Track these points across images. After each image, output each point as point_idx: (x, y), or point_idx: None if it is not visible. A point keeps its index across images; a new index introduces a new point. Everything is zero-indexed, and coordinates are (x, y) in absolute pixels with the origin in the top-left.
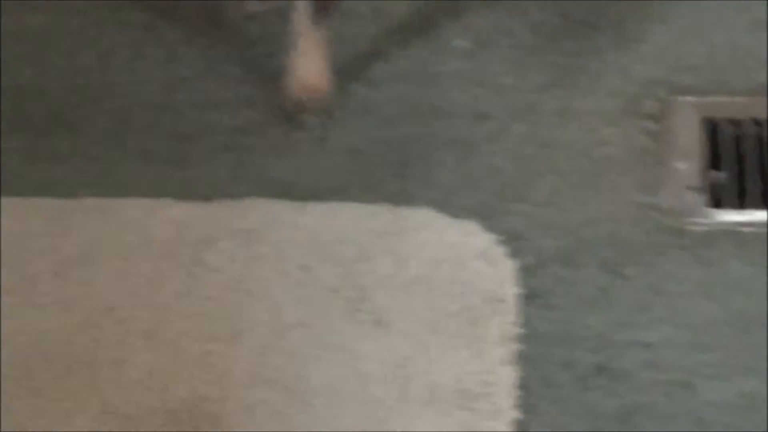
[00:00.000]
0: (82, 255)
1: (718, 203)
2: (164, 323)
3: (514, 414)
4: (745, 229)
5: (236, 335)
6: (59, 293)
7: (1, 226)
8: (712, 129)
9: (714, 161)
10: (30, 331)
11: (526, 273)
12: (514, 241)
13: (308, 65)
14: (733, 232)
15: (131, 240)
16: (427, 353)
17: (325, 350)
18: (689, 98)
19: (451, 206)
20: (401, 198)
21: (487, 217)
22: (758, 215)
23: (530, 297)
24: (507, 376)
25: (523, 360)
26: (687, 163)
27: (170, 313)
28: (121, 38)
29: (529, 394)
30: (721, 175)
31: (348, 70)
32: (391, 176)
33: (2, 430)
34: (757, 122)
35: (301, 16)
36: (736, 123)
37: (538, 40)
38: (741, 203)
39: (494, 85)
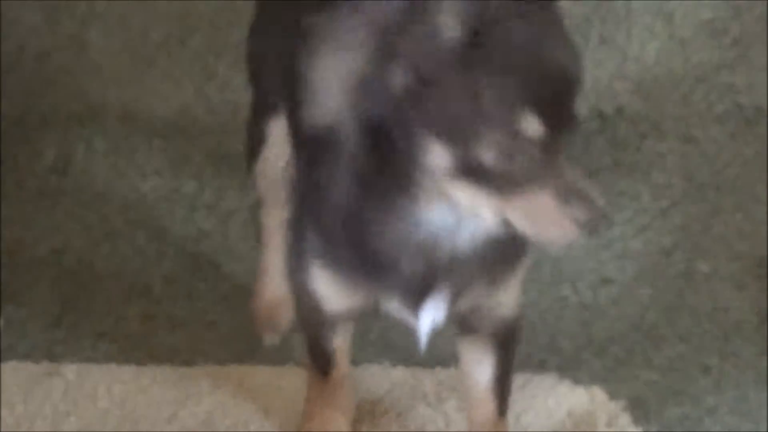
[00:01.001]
0: (203, 424)
1: None
2: None
3: None
4: None
5: None
6: None
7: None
8: None
9: None
10: None
11: None
12: (639, 409)
13: (271, 284)
14: None
15: (250, 407)
16: None
17: None
18: None
19: (575, 372)
20: (525, 364)
21: (611, 383)
22: None
23: None
24: None
25: None
26: None
27: None
28: (239, 202)
29: None
30: None
31: None
32: None
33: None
34: None
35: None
36: None
37: (661, 202)
38: None
39: (617, 250)
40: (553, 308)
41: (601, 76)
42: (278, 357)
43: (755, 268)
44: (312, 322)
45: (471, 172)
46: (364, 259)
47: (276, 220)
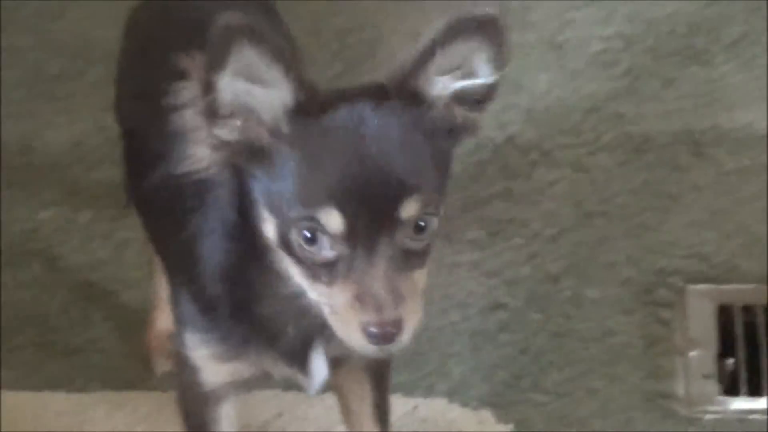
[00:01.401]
0: None
1: (730, 391)
2: None
3: None
4: (757, 417)
5: None
6: None
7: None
8: (726, 317)
9: (727, 349)
10: None
11: None
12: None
13: (163, 314)
14: (745, 420)
15: None
16: None
17: None
18: (702, 286)
19: (464, 396)
20: (415, 388)
21: (500, 407)
22: None
23: None
24: None
25: None
26: (700, 350)
27: None
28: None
29: None
30: (734, 363)
31: None
32: (403, 366)
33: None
34: None
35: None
36: (749, 310)
37: (551, 229)
38: (754, 390)
39: (508, 276)
40: (444, 333)
41: (493, 105)
42: (171, 384)
43: (642, 294)
44: (193, 399)
45: (288, 249)
46: (248, 327)
47: None
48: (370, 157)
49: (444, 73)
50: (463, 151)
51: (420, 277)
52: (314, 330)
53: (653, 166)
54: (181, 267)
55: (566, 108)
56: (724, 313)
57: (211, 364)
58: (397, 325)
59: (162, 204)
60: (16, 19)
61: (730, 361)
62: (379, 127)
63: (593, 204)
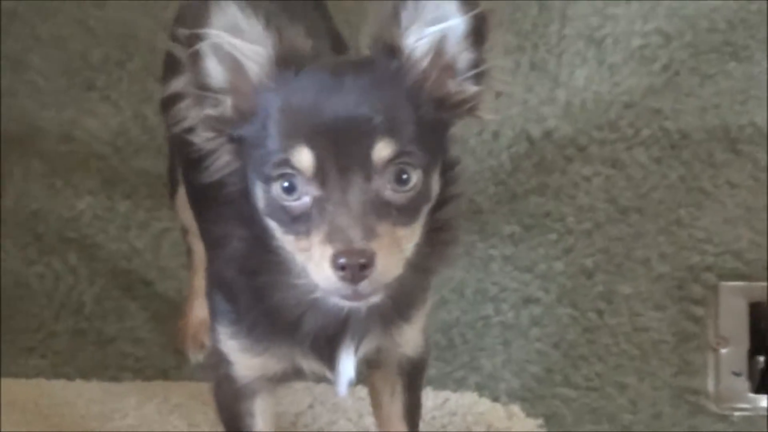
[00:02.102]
0: None
1: (760, 388)
2: None
3: None
4: None
5: None
6: None
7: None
8: (757, 314)
9: (757, 346)
10: None
11: None
12: (556, 426)
13: (198, 304)
14: None
15: (175, 423)
16: None
17: None
18: (735, 283)
19: (494, 390)
20: (445, 382)
21: (529, 401)
22: None
23: None
24: None
25: None
26: (731, 348)
27: None
28: (171, 222)
29: None
30: (764, 361)
31: None
32: (434, 359)
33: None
34: None
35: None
36: None
37: (585, 225)
38: None
39: (541, 270)
40: (475, 327)
41: (531, 100)
42: (203, 374)
43: (675, 290)
44: (228, 393)
45: (273, 212)
46: (269, 318)
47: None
48: (343, 102)
49: (417, 24)
50: (499, 146)
51: (403, 234)
52: (339, 326)
53: (689, 163)
54: (210, 255)
55: (604, 103)
56: (756, 311)
57: (242, 358)
58: (367, 256)
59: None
60: (60, 8)
61: (761, 358)
62: (354, 76)
63: (628, 199)
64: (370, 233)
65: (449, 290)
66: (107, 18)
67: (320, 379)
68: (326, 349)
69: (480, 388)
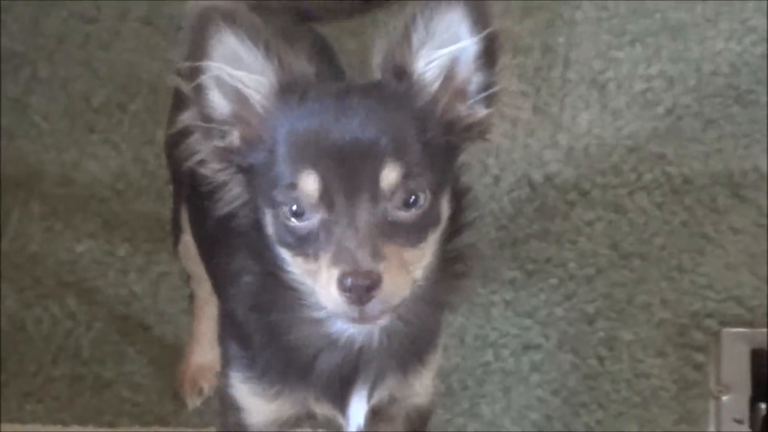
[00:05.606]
0: None
1: None
2: None
3: None
4: None
5: None
6: None
7: None
8: (760, 361)
9: (759, 393)
10: None
11: None
12: None
13: (198, 349)
14: None
15: None
16: None
17: None
18: (737, 330)
19: None
20: (445, 429)
21: None
22: None
23: None
24: None
25: None
26: (733, 395)
27: None
28: (170, 266)
29: None
30: (766, 408)
31: None
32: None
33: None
34: None
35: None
36: None
37: (587, 270)
38: None
39: (542, 316)
40: (475, 374)
41: (533, 144)
42: (201, 420)
43: (676, 336)
44: None
45: (282, 238)
46: (283, 359)
47: (205, 290)
48: (349, 125)
49: (428, 46)
50: (500, 190)
51: (410, 256)
52: (352, 367)
53: (691, 208)
54: (221, 296)
55: (606, 147)
56: (758, 357)
57: (255, 403)
58: (373, 277)
59: (215, 232)
60: (62, 49)
61: (763, 405)
62: (361, 100)
63: (630, 245)
64: (376, 255)
65: (449, 336)
66: (111, 60)
67: (330, 425)
68: (339, 392)
69: None
